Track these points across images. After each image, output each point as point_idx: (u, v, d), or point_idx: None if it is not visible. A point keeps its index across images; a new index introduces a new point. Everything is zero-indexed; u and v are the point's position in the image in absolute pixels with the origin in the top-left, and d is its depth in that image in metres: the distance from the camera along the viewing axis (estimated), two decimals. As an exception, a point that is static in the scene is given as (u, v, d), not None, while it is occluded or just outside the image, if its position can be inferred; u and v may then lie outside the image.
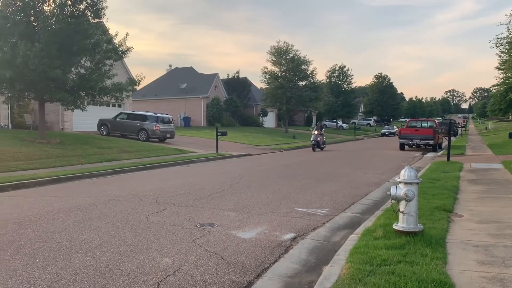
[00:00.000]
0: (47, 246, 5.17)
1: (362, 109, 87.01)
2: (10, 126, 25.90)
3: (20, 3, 17.69)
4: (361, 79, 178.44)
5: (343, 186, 10.80)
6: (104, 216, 6.89)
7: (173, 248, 5.15)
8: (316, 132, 24.60)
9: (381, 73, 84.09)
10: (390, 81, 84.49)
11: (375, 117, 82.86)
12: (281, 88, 45.19)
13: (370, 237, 5.23)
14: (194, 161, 18.17)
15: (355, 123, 63.17)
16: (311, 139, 24.89)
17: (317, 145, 24.30)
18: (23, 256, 4.77)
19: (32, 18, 18.45)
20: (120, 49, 20.36)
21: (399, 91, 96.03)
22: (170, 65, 56.74)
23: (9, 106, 25.00)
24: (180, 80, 49.92)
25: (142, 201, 8.28)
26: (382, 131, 54.20)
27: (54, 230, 5.93)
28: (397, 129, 45.53)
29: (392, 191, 5.15)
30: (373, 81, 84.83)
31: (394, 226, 5.29)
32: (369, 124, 76.80)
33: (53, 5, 18.27)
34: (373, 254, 4.49)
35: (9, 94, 19.66)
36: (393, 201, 5.26)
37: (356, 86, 66.00)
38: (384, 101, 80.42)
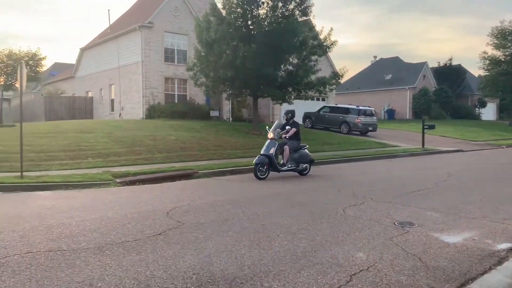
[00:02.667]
0: (253, 227, 5.73)
1: None
2: (230, 119, 29.65)
3: (240, 10, 19.91)
4: None
5: None
6: (304, 205, 7.25)
7: (368, 243, 5.06)
8: (271, 136, 11.01)
9: None
10: None
11: None
12: (505, 74, 39.17)
13: None
14: (396, 155, 17.43)
15: None
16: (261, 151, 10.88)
17: (271, 166, 10.61)
18: (233, 233, 5.41)
19: (249, 22, 20.59)
20: (324, 44, 21.00)
21: None
22: (375, 56, 55.57)
23: (230, 101, 28.64)
24: (385, 71, 48.39)
25: (340, 193, 8.38)
26: None
27: (259, 213, 6.53)
28: None
29: None
30: None
31: None
32: None
33: (266, 8, 20.03)
34: None
35: (230, 91, 22.51)
36: None
37: None
38: None
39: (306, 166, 11.42)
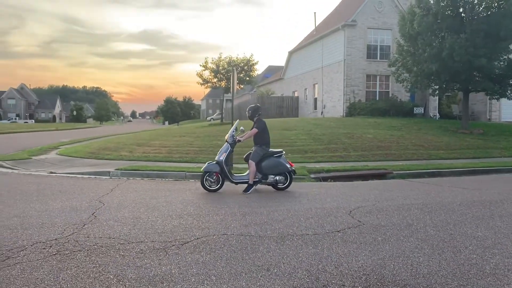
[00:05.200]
0: (439, 235, 5.32)
1: None
2: (438, 116, 27.45)
3: (450, -3, 18.30)
4: None
5: None
6: (509, 216, 6.30)
7: None
8: (225, 138, 8.98)
9: None
10: None
11: None
12: None
13: None
14: None
15: None
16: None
17: (223, 175, 8.54)
18: (415, 240, 5.14)
19: (460, 9, 18.71)
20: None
21: None
22: None
23: (437, 97, 26.50)
24: None
25: (562, 207, 6.96)
26: None
27: (449, 221, 6.00)
28: None
29: None
30: None
31: None
32: None
33: (482, -7, 17.87)
34: None
35: (435, 86, 20.87)
36: None
37: None
38: None
39: (279, 178, 8.67)
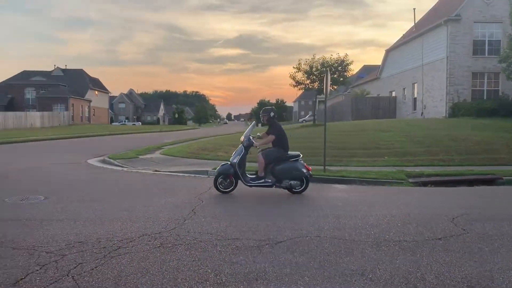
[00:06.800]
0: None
1: None
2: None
3: None
4: None
5: None
6: None
7: None
8: (241, 140, 8.55)
9: None
10: None
11: None
12: None
13: None
14: None
15: None
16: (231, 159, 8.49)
17: (237, 177, 8.30)
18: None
19: None
20: None
21: None
22: None
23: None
24: None
25: None
26: None
27: None
28: None
29: None
30: None
31: None
32: None
33: None
34: None
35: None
36: None
37: None
38: None
39: (294, 183, 8.29)
